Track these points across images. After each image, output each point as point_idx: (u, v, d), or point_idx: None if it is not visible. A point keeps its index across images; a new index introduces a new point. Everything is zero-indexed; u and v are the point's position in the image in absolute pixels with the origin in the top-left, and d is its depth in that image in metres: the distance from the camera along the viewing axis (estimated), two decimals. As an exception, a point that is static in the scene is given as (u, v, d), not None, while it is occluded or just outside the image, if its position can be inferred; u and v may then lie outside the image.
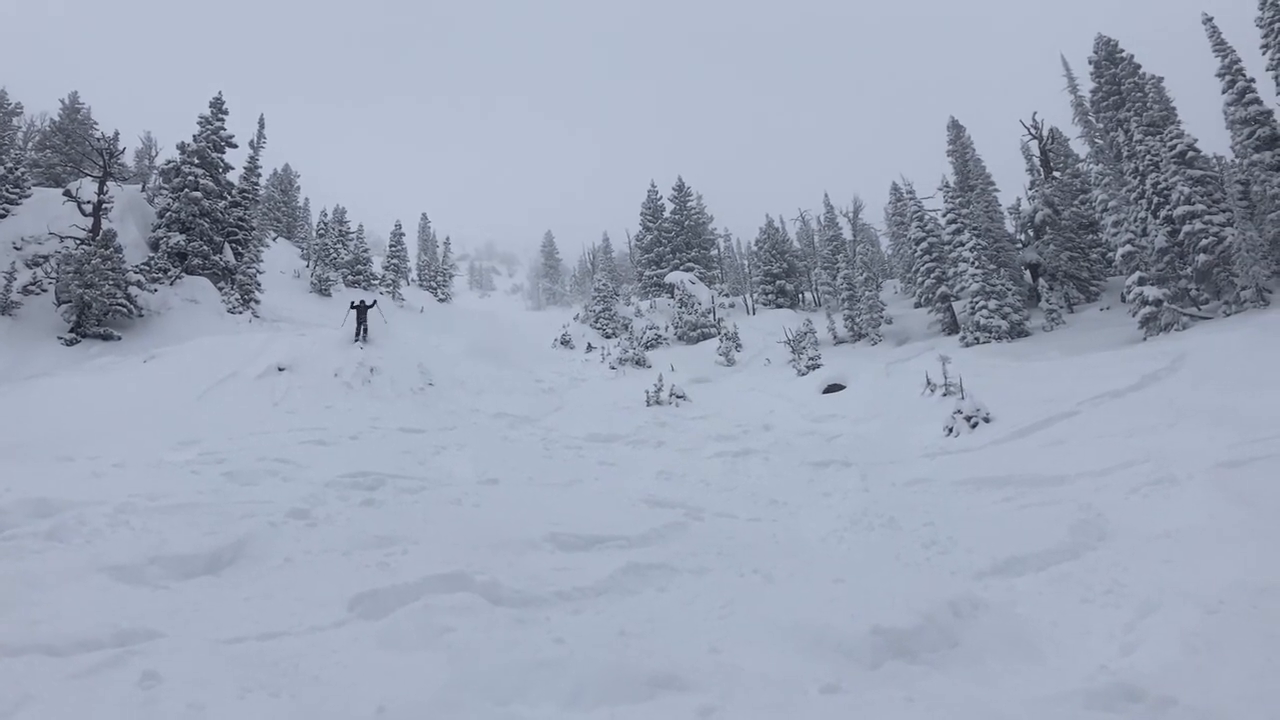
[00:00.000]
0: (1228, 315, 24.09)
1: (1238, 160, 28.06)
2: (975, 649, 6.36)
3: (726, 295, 51.30)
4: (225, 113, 37.95)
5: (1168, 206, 27.06)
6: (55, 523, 8.81)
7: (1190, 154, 27.70)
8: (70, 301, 25.81)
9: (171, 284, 31.56)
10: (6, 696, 4.90)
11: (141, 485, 10.88)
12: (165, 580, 7.62)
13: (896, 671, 5.80)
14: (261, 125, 42.51)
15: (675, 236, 58.37)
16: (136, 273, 29.02)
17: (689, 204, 60.07)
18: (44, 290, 27.02)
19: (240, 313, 32.87)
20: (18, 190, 31.38)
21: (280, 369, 21.35)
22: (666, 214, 59.84)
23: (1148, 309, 25.02)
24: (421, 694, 5.10)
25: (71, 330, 25.79)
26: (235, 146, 38.16)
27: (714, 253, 61.03)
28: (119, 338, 26.27)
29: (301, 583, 7.80)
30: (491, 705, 5.08)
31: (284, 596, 7.37)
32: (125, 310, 26.96)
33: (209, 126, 37.13)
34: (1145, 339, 24.61)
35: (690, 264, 55.78)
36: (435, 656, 5.96)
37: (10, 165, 32.23)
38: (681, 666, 5.72)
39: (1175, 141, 28.03)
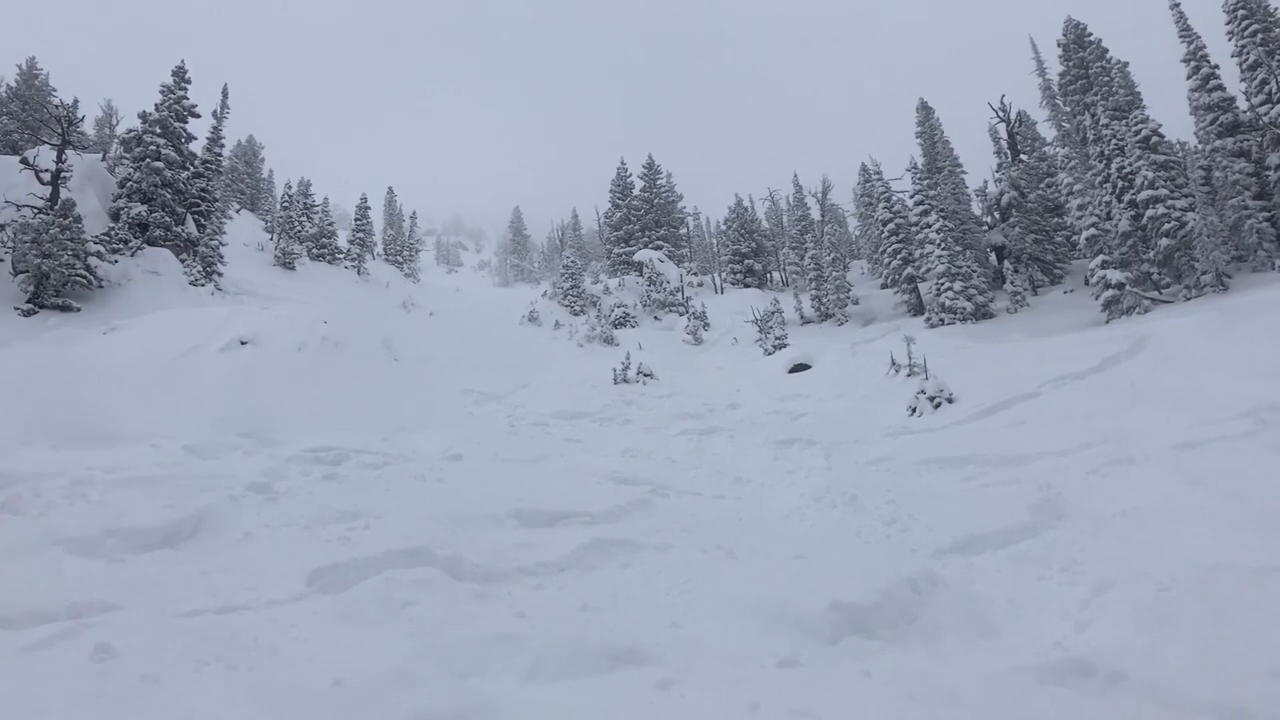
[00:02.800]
0: (1188, 299, 24.46)
1: (1201, 146, 28.49)
2: (933, 625, 6.43)
3: (695, 274, 51.30)
4: (188, 82, 37.27)
5: (1132, 191, 27.38)
6: (9, 494, 8.68)
7: (1155, 139, 28.02)
8: (28, 271, 25.34)
9: (132, 255, 31.06)
10: (-44, 669, 4.83)
11: (99, 458, 10.74)
12: (122, 553, 7.54)
13: (854, 647, 5.85)
14: (225, 95, 41.87)
15: (644, 214, 58.22)
16: (96, 243, 28.49)
17: (658, 182, 59.91)
18: (0, 260, 26.52)
19: (203, 285, 32.45)
20: (-28, 158, 30.74)
21: (243, 342, 21.10)
22: (636, 192, 59.65)
23: (1110, 292, 25.33)
24: (380, 667, 5.08)
25: (29, 301, 25.34)
26: (198, 116, 37.52)
27: (683, 231, 61.01)
28: (78, 309, 25.84)
29: (261, 557, 7.74)
30: (451, 678, 5.07)
31: (243, 570, 7.31)
32: (85, 281, 26.51)
33: (171, 95, 36.48)
34: (1107, 322, 24.94)
35: (659, 242, 55.71)
36: (395, 630, 5.94)
37: (-35, 132, 31.57)
38: (642, 641, 5.74)
39: (1140, 126, 28.33)
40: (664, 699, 4.90)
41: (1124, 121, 29.34)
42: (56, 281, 25.52)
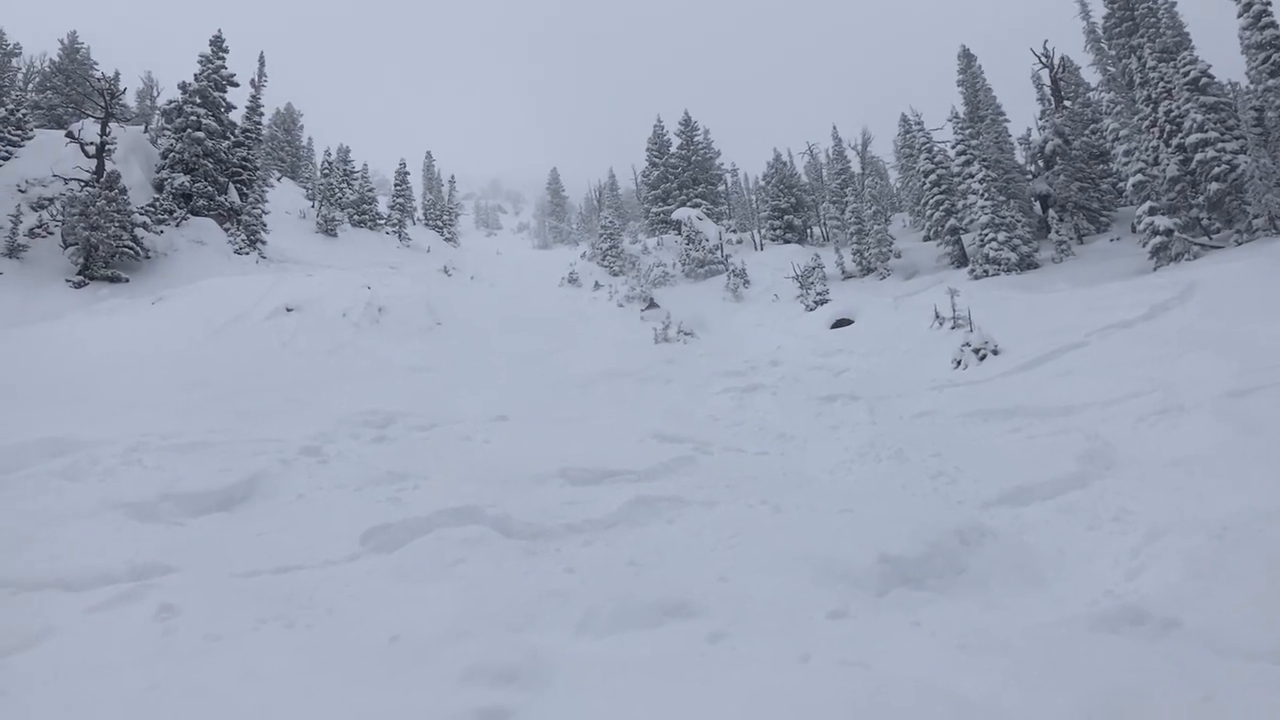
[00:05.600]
0: (1239, 244, 23.89)
1: (1253, 86, 27.60)
2: (981, 576, 6.43)
3: (734, 231, 50.81)
4: (226, 51, 37.43)
5: (1180, 134, 26.70)
6: (69, 461, 8.92)
7: (1204, 80, 27.24)
8: (77, 244, 25.75)
9: (177, 225, 31.46)
10: (29, 628, 5.00)
11: (153, 425, 10.97)
12: (179, 517, 7.73)
13: (903, 598, 5.86)
14: (262, 64, 42.05)
15: (682, 172, 57.57)
16: (142, 214, 28.84)
17: (696, 139, 59.17)
18: (50, 233, 26.95)
19: (247, 254, 32.80)
20: (20, 132, 31.09)
21: (289, 310, 21.38)
22: (673, 149, 58.93)
23: (1158, 239, 24.80)
24: (434, 623, 5.18)
25: (79, 273, 25.78)
26: (237, 85, 37.70)
27: (721, 189, 60.34)
28: (127, 280, 26.27)
29: (314, 518, 7.90)
30: (503, 633, 5.16)
31: (297, 531, 7.47)
32: (132, 252, 26.91)
33: (210, 65, 36.67)
34: (1155, 269, 24.44)
35: (697, 200, 55.16)
36: (447, 587, 6.04)
37: (11, 107, 31.94)
38: (691, 594, 5.80)
39: (1188, 68, 27.54)
40: (715, 651, 4.96)
41: (1171, 63, 28.55)
42: (105, 253, 25.91)
